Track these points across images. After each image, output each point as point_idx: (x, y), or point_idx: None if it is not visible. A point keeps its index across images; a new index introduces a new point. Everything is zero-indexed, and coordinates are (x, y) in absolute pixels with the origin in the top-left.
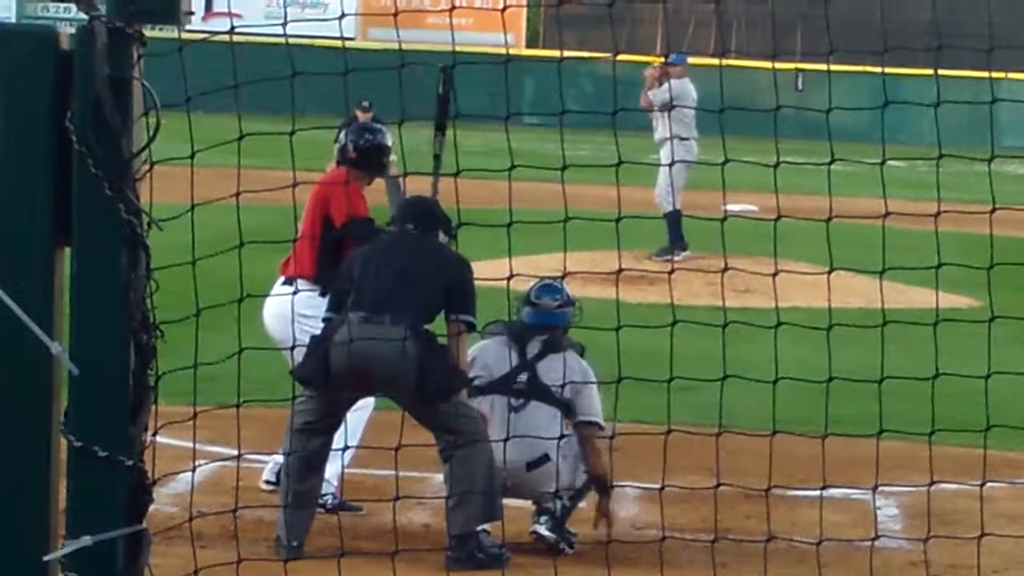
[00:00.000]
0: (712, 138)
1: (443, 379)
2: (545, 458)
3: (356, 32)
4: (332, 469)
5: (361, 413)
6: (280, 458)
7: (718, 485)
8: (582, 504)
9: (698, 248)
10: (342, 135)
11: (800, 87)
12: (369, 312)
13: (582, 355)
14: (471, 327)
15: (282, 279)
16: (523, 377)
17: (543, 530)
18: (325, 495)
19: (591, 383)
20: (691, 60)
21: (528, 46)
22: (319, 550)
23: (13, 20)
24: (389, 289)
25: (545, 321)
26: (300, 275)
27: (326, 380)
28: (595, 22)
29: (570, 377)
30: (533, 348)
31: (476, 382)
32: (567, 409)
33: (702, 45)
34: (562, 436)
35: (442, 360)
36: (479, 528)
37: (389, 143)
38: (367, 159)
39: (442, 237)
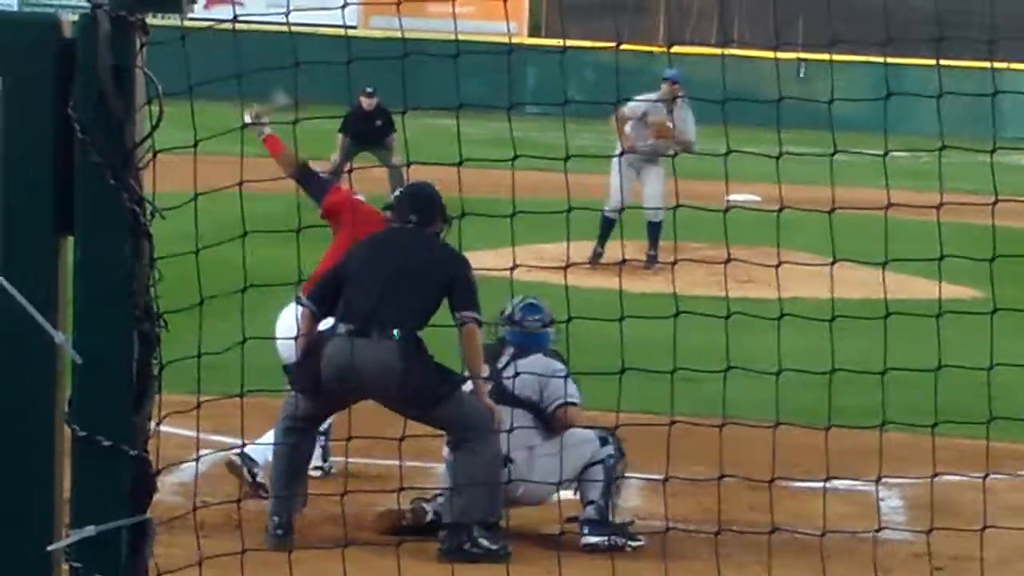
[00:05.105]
0: (715, 128)
1: (427, 389)
2: (507, 460)
3: (358, 20)
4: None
5: None
6: None
7: (721, 476)
8: (627, 502)
9: (700, 238)
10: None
11: (802, 75)
12: (359, 324)
13: (561, 361)
14: (479, 323)
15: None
16: (488, 386)
17: (591, 539)
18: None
19: (557, 376)
20: (695, 49)
21: (530, 35)
22: (323, 540)
23: (15, 7)
24: (379, 298)
25: (529, 343)
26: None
27: (316, 390)
28: (598, 11)
29: (533, 374)
30: (502, 361)
31: None
32: (535, 409)
33: (704, 34)
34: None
35: (427, 370)
36: (476, 522)
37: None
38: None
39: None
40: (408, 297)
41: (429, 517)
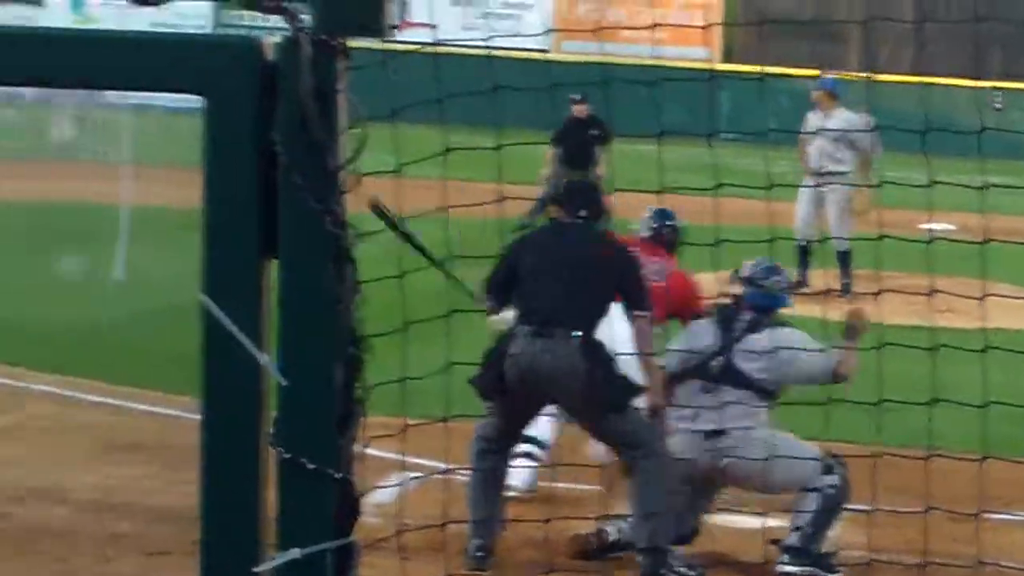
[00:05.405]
0: (912, 156)
1: (613, 394)
2: (721, 432)
3: (550, 45)
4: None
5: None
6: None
7: (928, 509)
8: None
9: (895, 267)
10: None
11: (999, 106)
12: (539, 325)
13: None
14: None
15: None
16: (717, 362)
17: (788, 568)
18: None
19: (800, 349)
20: (890, 77)
21: (723, 60)
22: (524, 564)
23: (209, 30)
24: (558, 298)
25: (769, 303)
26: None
27: (501, 392)
28: (791, 37)
29: (774, 349)
30: (737, 330)
31: (683, 365)
32: (763, 392)
33: (899, 62)
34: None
35: (611, 373)
36: (669, 544)
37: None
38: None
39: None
40: (586, 296)
41: (612, 537)
